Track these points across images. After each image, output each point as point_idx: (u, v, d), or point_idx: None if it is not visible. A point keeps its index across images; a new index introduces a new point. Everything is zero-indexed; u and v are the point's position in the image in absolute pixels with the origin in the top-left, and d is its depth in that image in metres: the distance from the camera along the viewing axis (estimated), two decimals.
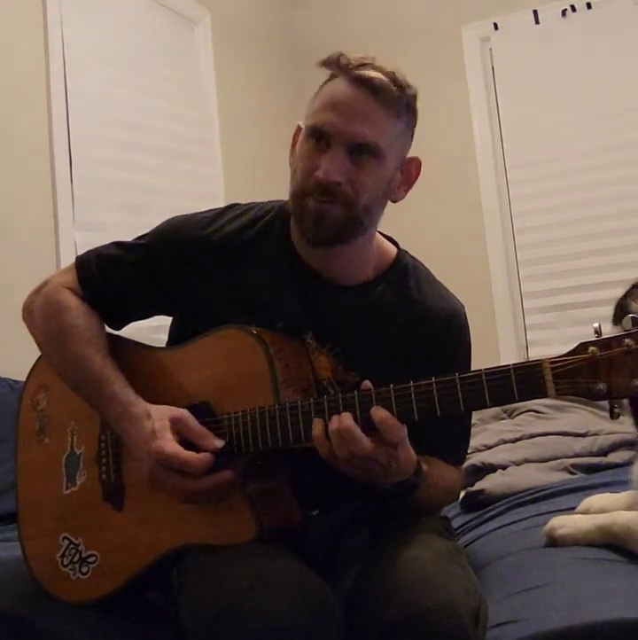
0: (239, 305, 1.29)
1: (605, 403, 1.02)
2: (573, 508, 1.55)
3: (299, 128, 1.31)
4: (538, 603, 1.13)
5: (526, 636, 1.06)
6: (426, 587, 1.03)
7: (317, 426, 1.10)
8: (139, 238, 1.38)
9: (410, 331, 1.32)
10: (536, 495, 1.78)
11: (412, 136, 1.30)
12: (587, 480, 1.90)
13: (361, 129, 1.21)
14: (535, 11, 3.65)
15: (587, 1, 3.55)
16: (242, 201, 1.42)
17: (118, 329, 1.39)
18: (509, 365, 1.02)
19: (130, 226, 2.82)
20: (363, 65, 1.23)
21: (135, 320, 1.40)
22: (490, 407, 1.06)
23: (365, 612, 1.05)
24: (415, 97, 1.27)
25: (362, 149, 1.22)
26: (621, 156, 3.47)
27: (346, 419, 1.07)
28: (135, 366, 1.29)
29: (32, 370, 1.42)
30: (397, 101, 1.22)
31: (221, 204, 1.41)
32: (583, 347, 0.99)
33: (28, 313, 1.37)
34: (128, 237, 1.40)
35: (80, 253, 2.80)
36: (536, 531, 1.49)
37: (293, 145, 1.32)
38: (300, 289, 1.31)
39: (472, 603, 1.05)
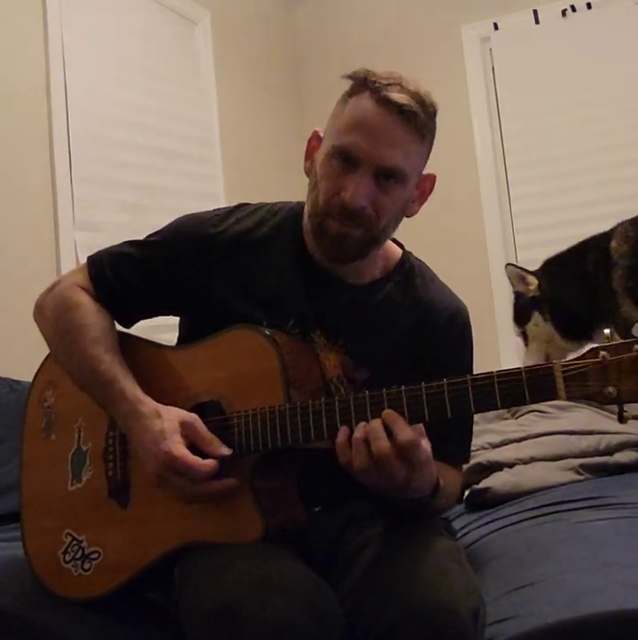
0: (250, 302, 1.29)
1: (613, 407, 1.02)
2: (580, 508, 1.54)
3: (316, 135, 1.30)
4: (536, 598, 1.14)
5: (525, 632, 1.06)
6: (427, 586, 1.03)
7: (342, 434, 1.09)
8: (150, 235, 1.37)
9: (417, 327, 1.33)
10: (541, 496, 1.76)
11: (430, 153, 1.30)
12: (594, 482, 1.88)
13: (390, 154, 1.20)
14: (535, 11, 3.66)
15: (587, 1, 3.55)
16: (242, 201, 1.41)
17: (128, 327, 1.38)
18: (519, 368, 1.03)
19: (130, 226, 2.83)
20: (391, 85, 1.20)
21: (146, 318, 1.39)
22: (501, 409, 1.06)
23: (366, 612, 1.05)
24: (436, 116, 1.26)
25: (389, 173, 1.21)
26: (621, 156, 3.47)
27: (376, 425, 1.06)
28: (145, 365, 1.28)
29: (41, 367, 1.41)
30: (424, 126, 1.22)
31: (222, 204, 1.41)
32: (594, 351, 1.00)
33: (39, 311, 1.36)
34: (127, 237, 1.39)
35: (80, 253, 2.81)
36: (536, 529, 1.49)
37: (309, 152, 1.31)
38: (311, 287, 1.31)
39: (472, 602, 1.05)
